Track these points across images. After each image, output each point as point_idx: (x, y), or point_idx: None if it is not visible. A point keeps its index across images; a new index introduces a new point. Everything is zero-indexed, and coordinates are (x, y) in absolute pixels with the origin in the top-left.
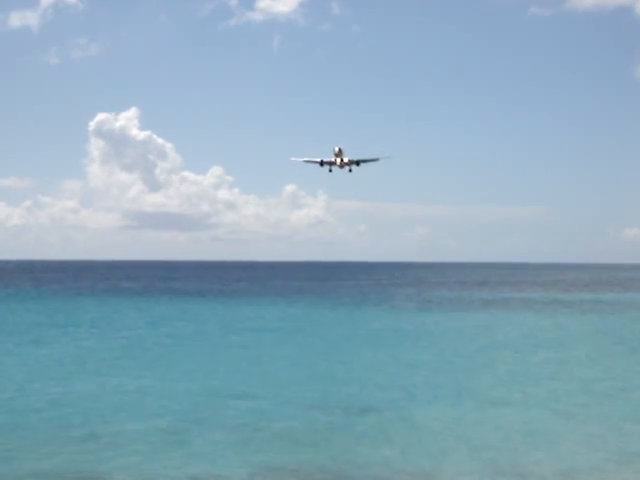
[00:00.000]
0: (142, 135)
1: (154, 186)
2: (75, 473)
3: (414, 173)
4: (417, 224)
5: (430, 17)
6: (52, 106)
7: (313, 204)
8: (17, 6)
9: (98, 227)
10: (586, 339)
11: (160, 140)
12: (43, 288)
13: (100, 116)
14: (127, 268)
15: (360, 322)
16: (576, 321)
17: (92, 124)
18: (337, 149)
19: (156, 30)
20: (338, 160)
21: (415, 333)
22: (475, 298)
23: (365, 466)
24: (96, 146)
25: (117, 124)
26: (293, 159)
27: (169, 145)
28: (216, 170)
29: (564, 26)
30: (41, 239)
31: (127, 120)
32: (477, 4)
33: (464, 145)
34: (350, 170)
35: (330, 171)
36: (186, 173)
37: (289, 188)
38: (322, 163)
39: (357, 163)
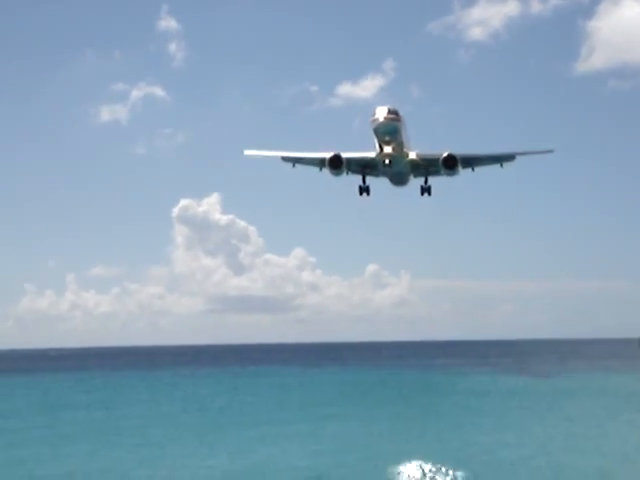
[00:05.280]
0: (225, 219)
1: (238, 270)
2: None
3: (495, 249)
4: (501, 301)
5: (509, 93)
6: (138, 195)
7: (396, 283)
8: (107, 101)
9: (183, 312)
10: None
11: (242, 223)
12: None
13: (183, 202)
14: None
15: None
16: None
17: (176, 210)
18: (386, 112)
19: (238, 117)
20: (388, 149)
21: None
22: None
23: None
24: (180, 232)
25: (200, 209)
26: (247, 152)
27: (251, 228)
28: (298, 252)
29: None
30: (128, 325)
31: (209, 205)
32: (555, 78)
33: (546, 220)
34: (427, 190)
35: (364, 192)
36: (269, 256)
37: (371, 268)
38: (336, 161)
39: (451, 164)
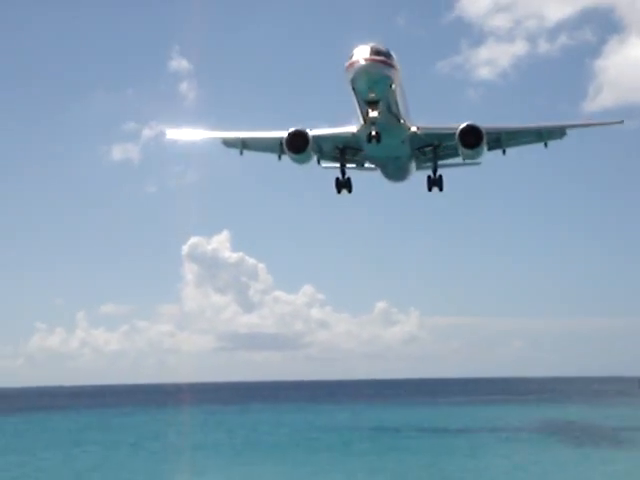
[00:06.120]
0: (234, 257)
1: (247, 307)
2: None
3: (507, 285)
4: (512, 338)
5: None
6: (148, 233)
7: (406, 321)
8: (119, 140)
9: (193, 349)
10: None
11: (252, 261)
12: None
13: (193, 240)
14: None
15: None
16: None
17: (185, 248)
18: (368, 52)
19: (247, 157)
20: (374, 114)
21: None
22: None
23: None
24: (190, 270)
25: (209, 247)
26: (171, 134)
27: (261, 266)
28: (308, 289)
29: None
30: (137, 363)
31: (219, 243)
32: (563, 117)
33: (559, 256)
34: (437, 182)
35: (343, 187)
36: (278, 293)
37: (380, 305)
38: (298, 140)
39: (473, 140)
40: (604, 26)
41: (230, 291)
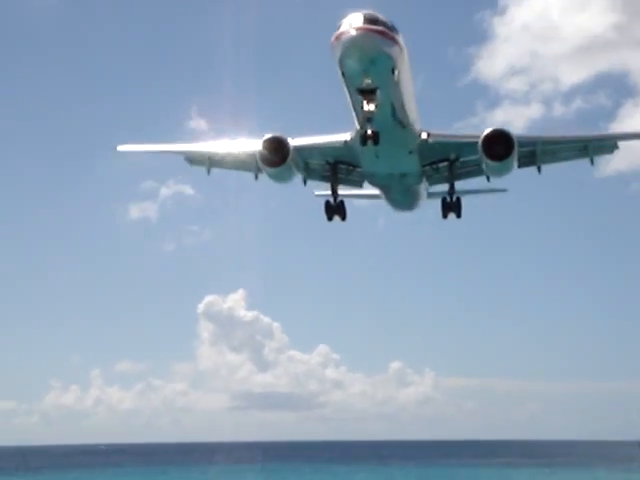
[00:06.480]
0: (249, 315)
1: (262, 366)
2: None
3: (523, 348)
4: (528, 400)
5: (532, 195)
6: (164, 291)
7: (420, 382)
8: (137, 199)
9: (207, 408)
10: None
11: (267, 320)
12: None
13: (208, 298)
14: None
15: None
16: None
17: (201, 306)
18: (361, 20)
19: (263, 216)
20: (370, 107)
21: None
22: None
23: None
24: (205, 328)
25: (225, 305)
26: (121, 148)
27: (276, 325)
28: (322, 349)
29: None
30: (150, 422)
31: (234, 301)
32: (578, 181)
33: (574, 319)
34: (455, 207)
35: (334, 213)
36: (293, 352)
37: (395, 365)
38: (275, 149)
39: (501, 151)
40: (619, 90)
41: (245, 350)
